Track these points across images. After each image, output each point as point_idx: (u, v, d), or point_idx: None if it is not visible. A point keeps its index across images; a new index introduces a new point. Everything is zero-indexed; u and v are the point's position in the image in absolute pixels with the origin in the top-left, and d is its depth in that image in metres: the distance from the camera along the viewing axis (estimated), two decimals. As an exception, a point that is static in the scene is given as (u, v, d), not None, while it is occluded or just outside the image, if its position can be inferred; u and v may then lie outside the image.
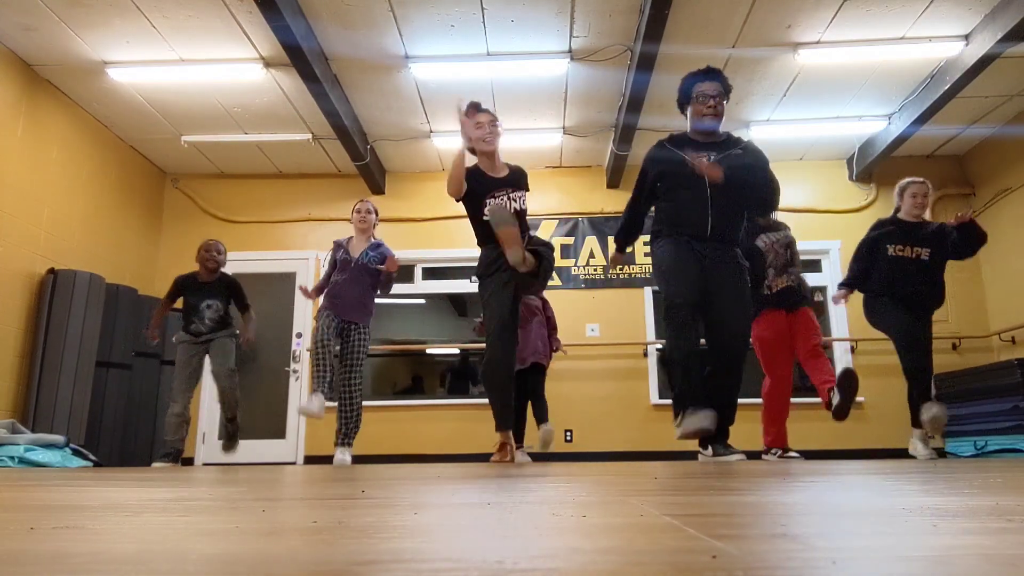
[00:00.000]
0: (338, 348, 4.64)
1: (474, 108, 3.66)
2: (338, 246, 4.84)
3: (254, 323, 5.07)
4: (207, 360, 4.93)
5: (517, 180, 3.68)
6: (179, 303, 5.08)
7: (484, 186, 3.64)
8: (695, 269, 3.24)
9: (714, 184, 3.22)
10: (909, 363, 4.10)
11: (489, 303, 3.58)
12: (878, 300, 4.25)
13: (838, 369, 4.24)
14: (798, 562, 0.48)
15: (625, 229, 3.65)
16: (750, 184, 3.32)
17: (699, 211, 3.26)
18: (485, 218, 3.53)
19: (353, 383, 4.61)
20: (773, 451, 4.42)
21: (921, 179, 4.40)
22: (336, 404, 4.68)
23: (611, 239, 6.57)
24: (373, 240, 4.84)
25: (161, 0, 4.67)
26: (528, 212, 3.70)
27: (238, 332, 5.03)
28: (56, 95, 5.78)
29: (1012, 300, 6.44)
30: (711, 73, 3.42)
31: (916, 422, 4.18)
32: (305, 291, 4.79)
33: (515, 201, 3.60)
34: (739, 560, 0.48)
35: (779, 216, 4.60)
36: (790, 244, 4.41)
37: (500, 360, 3.54)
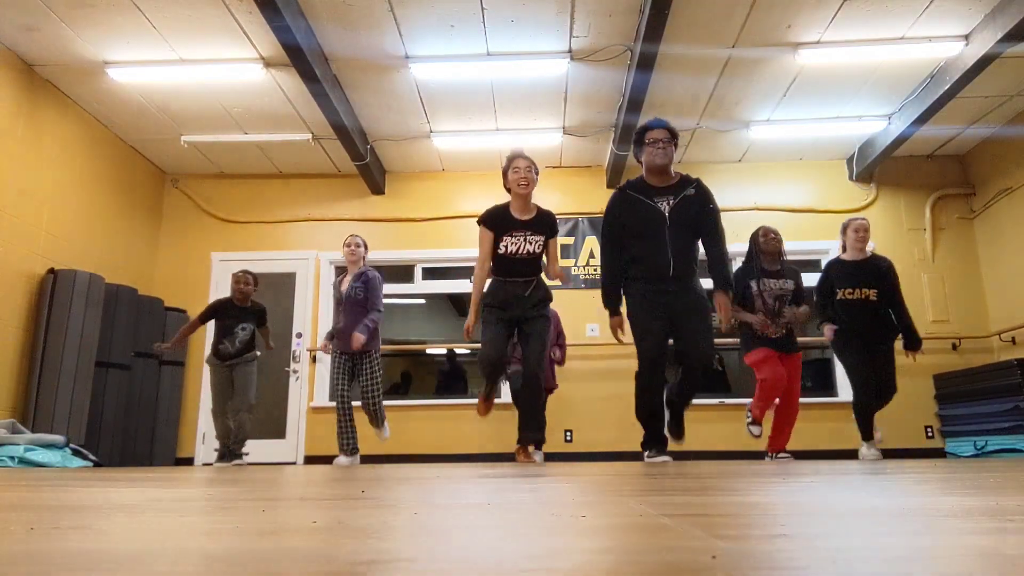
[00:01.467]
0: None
1: (516, 155, 3.94)
2: (335, 287, 5.21)
3: (268, 340, 5.51)
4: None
5: (538, 225, 3.90)
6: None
7: (505, 225, 3.89)
8: (660, 320, 3.61)
9: (672, 228, 3.61)
10: (858, 399, 4.51)
11: (484, 335, 3.87)
12: (842, 336, 4.56)
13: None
14: (798, 562, 0.48)
15: (609, 283, 3.76)
16: (701, 224, 3.70)
17: (661, 256, 3.60)
18: (499, 252, 3.87)
19: (375, 399, 5.03)
20: (773, 455, 4.50)
21: (861, 216, 4.76)
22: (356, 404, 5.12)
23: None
24: (360, 270, 5.15)
25: (161, 0, 4.67)
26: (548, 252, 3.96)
27: (259, 353, 5.44)
28: (56, 95, 5.77)
29: (1012, 300, 6.44)
30: (659, 121, 3.80)
31: (866, 435, 4.59)
32: (325, 347, 5.19)
33: (530, 244, 3.85)
34: (739, 560, 0.48)
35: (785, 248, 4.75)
36: (781, 297, 4.50)
37: (489, 370, 3.86)
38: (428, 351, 7.92)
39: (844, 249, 4.71)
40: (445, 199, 7.26)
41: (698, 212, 3.66)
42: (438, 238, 7.16)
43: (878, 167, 6.90)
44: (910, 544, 0.57)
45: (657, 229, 3.61)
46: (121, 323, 5.98)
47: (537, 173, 3.95)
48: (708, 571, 0.44)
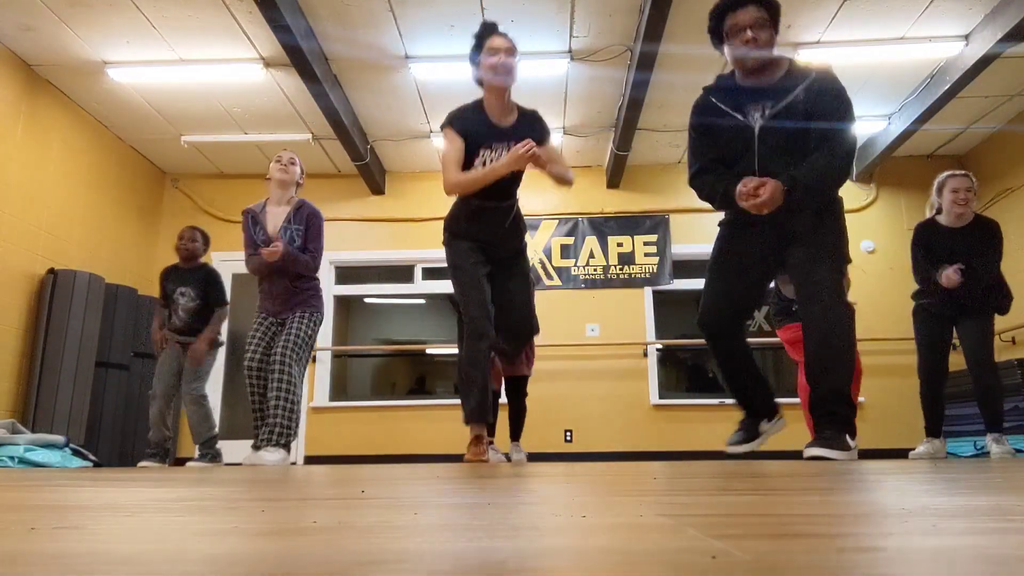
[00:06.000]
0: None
1: (490, 29, 3.01)
2: (250, 216, 3.90)
3: (215, 326, 4.65)
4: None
5: (524, 131, 3.01)
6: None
7: (482, 135, 3.02)
8: (739, 269, 2.73)
9: (762, 150, 2.61)
10: (920, 385, 4.14)
11: (461, 285, 3.12)
12: (920, 314, 4.11)
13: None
14: (800, 562, 0.48)
15: (710, 196, 2.76)
16: (809, 144, 2.66)
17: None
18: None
19: (282, 365, 3.61)
20: None
21: (963, 172, 3.99)
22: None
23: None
24: (295, 200, 3.93)
25: (161, 0, 4.67)
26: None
27: (223, 340, 4.91)
28: (56, 95, 5.78)
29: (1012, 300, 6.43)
30: None
31: (931, 431, 4.17)
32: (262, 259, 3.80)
33: None
34: (739, 560, 0.48)
35: None
36: None
37: (479, 335, 3.02)
38: (428, 351, 7.92)
39: (939, 211, 3.96)
40: (445, 199, 7.23)
41: (801, 132, 2.61)
42: (438, 238, 7.13)
43: (878, 167, 6.90)
44: (912, 545, 0.57)
45: (745, 152, 2.61)
46: (121, 323, 5.98)
47: (516, 62, 3.00)
48: (708, 572, 0.44)
